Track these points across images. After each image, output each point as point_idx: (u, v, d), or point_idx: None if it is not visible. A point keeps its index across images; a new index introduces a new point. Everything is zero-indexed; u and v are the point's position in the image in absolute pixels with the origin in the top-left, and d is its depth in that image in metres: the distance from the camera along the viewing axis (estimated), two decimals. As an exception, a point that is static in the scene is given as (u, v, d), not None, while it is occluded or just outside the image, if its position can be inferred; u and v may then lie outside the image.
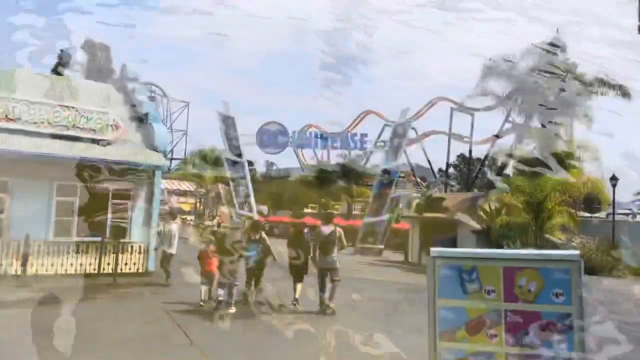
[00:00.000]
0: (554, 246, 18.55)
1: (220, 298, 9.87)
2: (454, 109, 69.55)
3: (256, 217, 34.94)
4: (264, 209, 76.14)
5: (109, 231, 14.09)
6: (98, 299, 10.74)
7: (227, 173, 35.80)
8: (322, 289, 10.25)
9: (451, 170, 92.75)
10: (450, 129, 69.72)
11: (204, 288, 10.57)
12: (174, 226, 13.11)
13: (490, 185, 28.84)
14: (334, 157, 63.81)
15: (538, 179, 20.32)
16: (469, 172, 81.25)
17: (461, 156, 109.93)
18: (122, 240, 14.22)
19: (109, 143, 14.16)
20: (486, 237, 25.48)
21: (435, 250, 3.73)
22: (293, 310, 10.28)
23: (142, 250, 14.56)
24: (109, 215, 14.22)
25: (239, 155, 35.09)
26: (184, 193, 71.14)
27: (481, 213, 25.60)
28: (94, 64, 34.38)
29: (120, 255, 14.17)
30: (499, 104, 29.12)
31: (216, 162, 42.47)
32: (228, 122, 35.18)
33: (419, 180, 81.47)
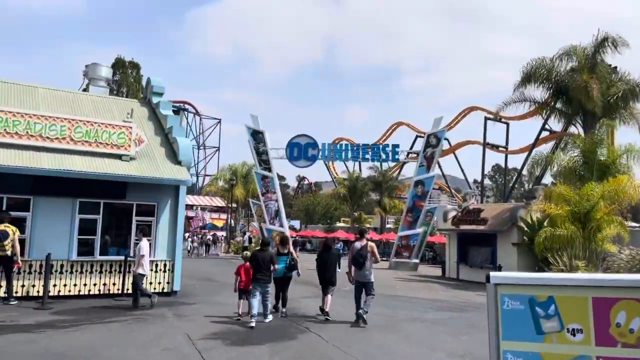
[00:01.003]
0: (604, 259, 17.24)
1: (254, 311, 10.29)
2: (488, 119, 68.06)
3: (287, 232, 34.39)
4: (296, 223, 76.16)
5: (132, 249, 13.58)
6: (117, 322, 10.15)
7: (257, 188, 35.39)
8: (357, 302, 10.77)
9: (486, 181, 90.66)
10: (484, 138, 68.07)
11: (240, 302, 11.14)
12: (143, 244, 11.90)
13: (530, 196, 27.41)
14: (365, 170, 63.49)
15: (584, 188, 18.97)
16: (505, 183, 79.30)
17: (496, 167, 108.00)
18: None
19: (132, 158, 13.73)
20: (528, 250, 24.16)
21: (496, 275, 2.86)
22: (325, 321, 10.98)
23: (166, 269, 14.03)
24: (133, 233, 13.73)
25: (269, 169, 34.63)
26: (217, 209, 71.48)
27: (522, 224, 24.31)
28: (124, 80, 34.72)
29: (144, 274, 13.68)
30: (538, 110, 27.71)
31: (246, 177, 42.23)
32: (257, 137, 34.82)
33: (453, 191, 79.88)
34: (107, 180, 12.98)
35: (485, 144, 67.32)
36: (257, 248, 12.13)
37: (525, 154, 64.76)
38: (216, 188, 43.77)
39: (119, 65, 36.88)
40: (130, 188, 13.56)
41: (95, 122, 13.24)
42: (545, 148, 63.18)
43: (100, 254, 13.35)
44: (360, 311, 10.53)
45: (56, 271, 12.61)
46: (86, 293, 12.99)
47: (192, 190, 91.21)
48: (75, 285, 12.88)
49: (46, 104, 14.76)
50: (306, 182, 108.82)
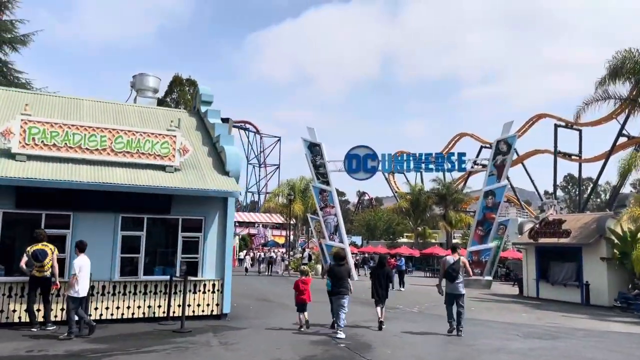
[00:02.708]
0: None
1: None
2: (558, 126, 63.83)
3: (347, 247, 32.80)
4: (358, 239, 74.40)
5: (179, 268, 12.51)
6: (155, 351, 8.96)
7: (316, 202, 34.12)
8: (450, 313, 11.55)
9: (559, 192, 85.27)
10: (555, 146, 63.82)
11: (300, 315, 11.63)
12: (76, 261, 10.08)
13: (620, 204, 24.46)
14: (427, 183, 60.90)
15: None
16: (580, 193, 74.01)
17: (568, 177, 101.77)
18: (192, 279, 12.58)
19: (176, 169, 12.74)
20: (620, 265, 21.33)
21: None
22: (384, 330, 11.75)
23: (215, 289, 12.83)
24: (179, 250, 12.67)
25: (327, 182, 33.29)
26: (278, 226, 71.04)
27: (612, 236, 21.54)
28: (182, 98, 34.72)
29: (192, 296, 12.57)
30: (624, 107, 24.86)
31: (305, 192, 41.16)
32: (314, 150, 33.64)
33: (523, 204, 75.41)
34: (150, 194, 12.00)
35: (557, 153, 63.12)
36: (333, 263, 12.31)
37: (601, 162, 60.36)
38: (275, 204, 42.90)
39: (176, 83, 37.01)
40: (175, 202, 12.54)
41: (138, 132, 12.36)
42: (622, 155, 58.69)
43: (145, 274, 12.32)
44: (460, 332, 11.29)
45: (97, 293, 11.70)
46: (129, 317, 11.99)
47: (254, 208, 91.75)
48: (117, 308, 11.91)
49: (90, 115, 14.13)
50: (366, 197, 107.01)
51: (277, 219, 63.95)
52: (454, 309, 11.43)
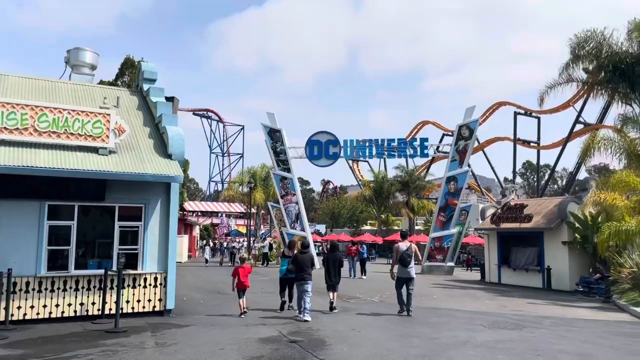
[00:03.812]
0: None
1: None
2: (518, 113, 64.46)
3: (309, 236, 31.90)
4: (322, 227, 73.65)
5: (116, 261, 11.29)
6: (77, 357, 7.80)
7: (276, 190, 33.05)
8: (400, 295, 12.33)
9: (517, 179, 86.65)
10: (515, 134, 64.47)
11: (241, 300, 11.90)
12: None
13: (581, 188, 24.35)
14: (391, 171, 60.59)
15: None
16: (538, 180, 75.26)
17: (527, 163, 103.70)
18: (131, 272, 11.40)
19: (111, 151, 11.46)
20: (581, 250, 21.16)
21: None
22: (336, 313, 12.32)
23: (157, 283, 11.68)
24: (116, 241, 11.44)
25: (288, 170, 32.24)
26: (243, 215, 69.49)
27: (573, 221, 21.33)
28: (134, 81, 32.76)
29: (131, 291, 11.40)
30: (587, 91, 24.69)
31: (266, 180, 40.02)
32: (275, 136, 32.49)
33: (484, 190, 76.19)
34: (81, 179, 10.72)
35: (516, 140, 63.84)
36: (298, 251, 12.72)
37: (559, 149, 61.43)
38: (235, 192, 41.49)
39: (128, 65, 35.03)
40: (110, 187, 11.28)
41: (65, 110, 11.00)
42: (578, 142, 60.02)
43: (76, 268, 11.08)
44: (410, 312, 12.08)
45: (20, 290, 10.40)
46: (59, 315, 10.74)
47: (218, 197, 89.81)
48: (44, 306, 10.64)
49: (16, 93, 12.65)
50: (331, 185, 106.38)
51: (238, 208, 62.58)
52: (404, 292, 12.21)
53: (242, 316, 11.60)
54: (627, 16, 24.44)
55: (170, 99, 13.64)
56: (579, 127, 57.28)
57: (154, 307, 11.58)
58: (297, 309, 11.83)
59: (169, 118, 12.65)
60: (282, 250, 14.19)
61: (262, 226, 58.08)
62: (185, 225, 44.08)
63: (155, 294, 11.61)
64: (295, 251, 12.95)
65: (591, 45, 21.15)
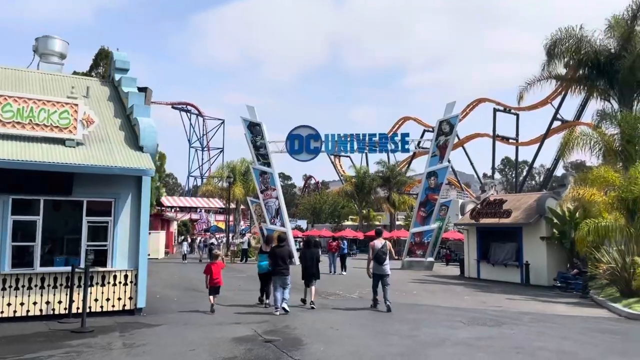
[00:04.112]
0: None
1: (278, 303, 11.60)
2: (497, 110, 64.93)
3: (289, 231, 31.56)
4: (303, 223, 73.35)
5: (84, 258, 10.84)
6: (45, 358, 7.39)
7: (256, 185, 32.61)
8: (375, 291, 12.57)
9: (496, 175, 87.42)
10: (494, 130, 65.00)
11: (212, 297, 11.78)
12: None
13: (559, 184, 24.47)
14: (372, 166, 60.57)
15: (632, 169, 16.02)
16: (516, 176, 76.05)
17: (506, 160, 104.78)
18: (100, 269, 10.96)
19: (79, 143, 10.98)
20: (559, 246, 21.23)
21: None
22: (315, 309, 12.30)
23: (128, 281, 11.25)
24: (84, 237, 10.98)
25: (268, 164, 31.81)
26: (222, 211, 68.71)
27: (552, 216, 21.38)
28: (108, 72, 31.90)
29: (100, 289, 10.96)
30: (565, 87, 24.79)
31: (246, 174, 39.50)
32: (255, 130, 32.01)
33: (463, 186, 76.69)
34: (47, 172, 10.24)
35: (495, 136, 64.37)
36: (275, 245, 12.75)
37: (536, 145, 62.18)
38: (214, 187, 40.88)
39: (102, 56, 34.09)
40: (78, 181, 10.80)
41: (30, 99, 10.48)
42: (556, 139, 60.81)
43: (42, 265, 10.59)
44: (389, 303, 12.14)
45: (-19, 288, 9.90)
46: (24, 314, 10.26)
47: (197, 192, 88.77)
48: (9, 305, 10.15)
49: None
50: (313, 181, 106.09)
51: (218, 203, 61.91)
52: (380, 288, 12.43)
53: (211, 312, 11.49)
54: (605, 11, 24.59)
55: (143, 90, 13.17)
56: (556, 124, 58.08)
57: (124, 305, 11.15)
58: (273, 305, 11.83)
59: (141, 109, 12.18)
60: (260, 246, 14.35)
61: (242, 222, 57.58)
62: (162, 221, 43.37)
63: (125, 292, 11.17)
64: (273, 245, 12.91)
65: (569, 42, 21.17)
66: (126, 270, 11.22)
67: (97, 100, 13.14)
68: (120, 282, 11.13)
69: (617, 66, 20.40)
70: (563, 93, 53.97)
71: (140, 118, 11.85)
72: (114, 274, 11.08)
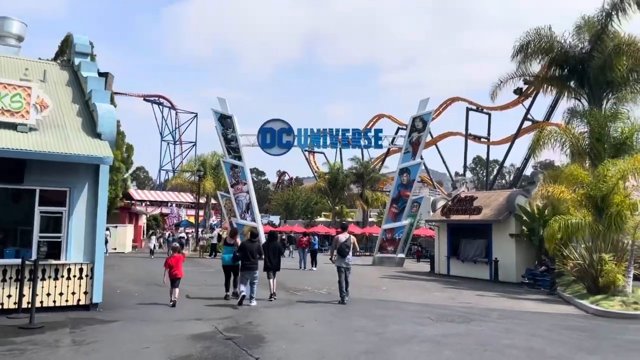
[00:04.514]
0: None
1: (246, 293, 11.78)
2: (470, 109, 65.53)
3: (260, 226, 31.11)
4: (276, 219, 72.84)
5: (36, 250, 10.24)
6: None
7: (226, 179, 32.00)
8: (340, 283, 12.63)
9: (467, 173, 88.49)
10: (466, 129, 65.58)
11: (174, 290, 11.62)
12: None
13: (529, 181, 24.63)
14: (346, 162, 60.40)
15: (600, 166, 16.09)
16: (487, 175, 77.03)
17: (477, 159, 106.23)
18: (53, 262, 10.37)
19: (32, 128, 10.35)
20: (528, 243, 21.34)
21: None
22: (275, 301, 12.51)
23: (83, 275, 10.69)
24: (36, 227, 10.37)
25: (239, 158, 31.24)
26: (194, 205, 67.58)
27: (521, 213, 21.47)
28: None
29: (52, 283, 10.37)
30: (537, 86, 24.94)
31: (217, 168, 38.81)
32: (226, 122, 31.39)
33: (435, 184, 77.29)
34: (-3, 158, 9.59)
35: (468, 135, 64.99)
36: (247, 239, 13.01)
37: (507, 145, 63.07)
38: (183, 181, 40.04)
39: (68, 43, 32.94)
40: (30, 168, 10.18)
41: (-23, 81, 9.80)
42: (526, 138, 61.83)
43: (-10, 257, 9.95)
44: (345, 297, 12.53)
45: None
46: (-32, 310, 9.62)
47: (168, 186, 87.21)
48: (-49, 300, 9.51)
49: None
50: (287, 177, 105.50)
51: (189, 197, 60.90)
52: (343, 280, 12.60)
53: (172, 305, 11.31)
54: (574, 12, 24.74)
55: (104, 75, 12.55)
56: (527, 124, 59.00)
57: (79, 300, 10.59)
58: (238, 298, 11.91)
59: (100, 94, 11.58)
60: (224, 238, 14.51)
61: (213, 217, 56.71)
62: (130, 215, 42.38)
63: (80, 286, 10.60)
64: (244, 239, 13.34)
65: (540, 42, 21.26)
66: (81, 264, 10.64)
67: (55, 84, 12.47)
68: (74, 276, 10.56)
69: (588, 66, 20.54)
70: (534, 94, 55.08)
71: (99, 104, 11.26)
72: (68, 267, 10.50)
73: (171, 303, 11.40)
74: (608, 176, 15.64)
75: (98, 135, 11.00)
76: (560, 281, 17.70)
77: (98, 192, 10.82)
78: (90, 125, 11.31)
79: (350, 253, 12.70)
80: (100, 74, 12.60)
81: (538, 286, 18.84)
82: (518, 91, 52.68)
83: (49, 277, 10.31)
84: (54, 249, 10.56)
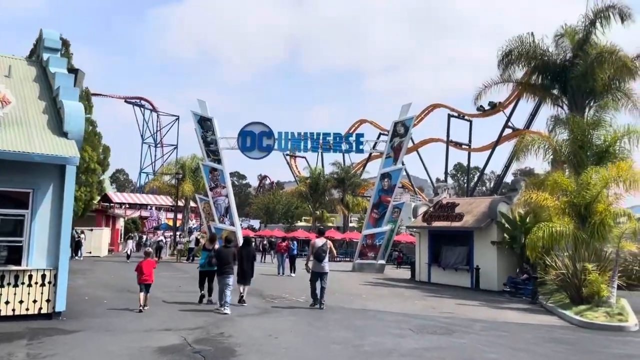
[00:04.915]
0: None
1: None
2: (451, 116, 65.79)
3: (238, 231, 30.51)
4: (256, 223, 72.04)
5: (-6, 254, 9.61)
6: None
7: (205, 182, 31.34)
8: (314, 290, 12.69)
9: (448, 180, 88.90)
10: (448, 136, 65.82)
11: (141, 295, 11.42)
12: None
13: (511, 188, 24.51)
14: (328, 167, 60.08)
15: (583, 174, 15.94)
16: (468, 181, 77.40)
17: (458, 165, 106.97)
18: (13, 268, 9.73)
19: (-7, 126, 9.72)
20: (510, 250, 21.15)
21: None
22: (244, 307, 12.37)
23: (45, 282, 10.06)
24: (-5, 232, 9.73)
25: (218, 161, 30.64)
26: (174, 208, 66.45)
27: (503, 221, 21.29)
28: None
29: (11, 290, 9.73)
30: (520, 91, 24.90)
31: (196, 171, 38.07)
32: (205, 125, 30.79)
33: (416, 190, 77.37)
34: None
35: (449, 142, 65.22)
36: (223, 245, 12.86)
37: (488, 152, 63.50)
38: (162, 184, 39.20)
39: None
40: (-10, 168, 9.54)
41: None
42: (507, 146, 62.42)
43: (-57, 262, 9.28)
44: (322, 306, 12.51)
45: None
46: None
47: (152, 190, 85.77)
48: None
49: None
50: (268, 181, 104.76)
51: (168, 200, 59.88)
52: (318, 285, 12.63)
53: (140, 311, 11.18)
54: (557, 24, 24.92)
55: (73, 71, 11.94)
56: (508, 132, 59.50)
57: (40, 309, 9.95)
58: (218, 302, 11.90)
59: (69, 91, 10.98)
60: (202, 243, 14.38)
61: (194, 220, 55.78)
62: (107, 217, 41.37)
63: (42, 293, 9.97)
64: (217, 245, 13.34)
65: (523, 49, 21.21)
66: (44, 270, 10.01)
67: (21, 80, 11.82)
68: (36, 283, 9.93)
69: (571, 73, 20.50)
70: (515, 101, 55.58)
71: (66, 101, 10.66)
72: (29, 273, 9.87)
73: (139, 309, 11.22)
74: (591, 184, 15.51)
75: (64, 134, 10.40)
76: (541, 290, 17.50)
77: (64, 194, 10.20)
78: (57, 123, 10.70)
79: (327, 258, 12.68)
80: (70, 71, 11.99)
81: (520, 295, 18.63)
82: (491, 105, 53.35)
83: (8, 283, 9.67)
84: (14, 254, 9.93)
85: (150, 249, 13.96)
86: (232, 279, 11.94)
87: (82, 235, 30.52)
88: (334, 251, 13.71)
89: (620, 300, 13.59)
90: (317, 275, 12.66)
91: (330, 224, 58.31)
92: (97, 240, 34.37)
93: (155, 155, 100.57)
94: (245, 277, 12.82)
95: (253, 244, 16.24)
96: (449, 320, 11.86)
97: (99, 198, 57.27)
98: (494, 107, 55.54)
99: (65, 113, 10.48)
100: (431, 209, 24.80)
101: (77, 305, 11.48)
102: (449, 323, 11.34)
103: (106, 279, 18.65)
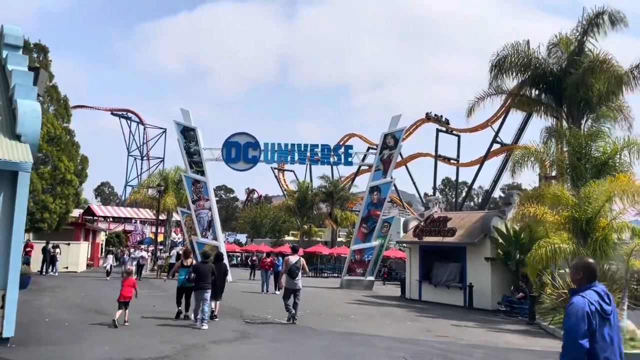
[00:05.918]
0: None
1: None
2: (440, 131, 65.34)
3: (222, 245, 29.27)
4: (242, 237, 70.59)
5: None
6: None
7: (187, 195, 30.11)
8: (287, 304, 12.94)
9: (437, 195, 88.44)
10: (436, 150, 65.32)
11: (119, 312, 11.30)
12: None
13: (505, 202, 23.67)
14: (316, 181, 59.16)
15: (586, 186, 15.09)
16: (456, 196, 76.85)
17: (446, 180, 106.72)
18: (-48, 288, 8.53)
19: None
20: (504, 267, 20.22)
21: None
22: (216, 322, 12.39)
23: (-9, 304, 8.85)
24: None
25: (202, 173, 29.47)
26: (160, 222, 64.85)
27: (497, 236, 20.37)
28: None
29: (-50, 314, 8.50)
30: (512, 103, 24.22)
31: (179, 184, 36.80)
32: (188, 135, 29.66)
33: (405, 204, 76.61)
34: None
35: (437, 156, 64.75)
36: (200, 260, 13.31)
37: (476, 167, 63.12)
38: (143, 196, 37.88)
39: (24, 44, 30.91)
40: None
41: None
42: (495, 161, 62.12)
43: None
44: (295, 321, 12.84)
45: None
46: None
47: (135, 203, 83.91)
48: None
49: None
50: (256, 194, 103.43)
51: (150, 214, 58.42)
52: (291, 302, 12.93)
53: (114, 326, 11.05)
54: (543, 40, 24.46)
55: (34, 69, 10.85)
56: (496, 146, 59.26)
57: (-15, 334, 8.74)
58: (193, 318, 12.14)
59: (25, 90, 9.86)
60: (180, 260, 14.03)
61: (179, 235, 54.26)
62: (86, 231, 39.83)
63: (-13, 317, 8.76)
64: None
65: (519, 57, 20.56)
66: (-10, 290, 8.81)
67: (-25, 79, 10.71)
68: (-20, 305, 8.72)
69: (565, 83, 19.87)
70: (503, 116, 55.35)
71: (22, 100, 9.53)
72: (-29, 294, 8.66)
73: (113, 324, 11.14)
74: (593, 197, 14.66)
75: (17, 137, 9.27)
76: (538, 308, 16.52)
77: (15, 205, 9.04)
78: (11, 124, 9.58)
79: (300, 275, 13.07)
80: (31, 69, 10.89)
81: (515, 314, 17.69)
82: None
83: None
84: (-45, 272, 8.71)
85: (131, 268, 14.48)
86: (209, 294, 11.85)
87: (57, 250, 29.01)
88: (306, 268, 14.03)
89: (628, 324, 12.62)
90: (290, 292, 12.89)
91: (318, 239, 57.21)
92: (75, 255, 32.84)
93: (141, 168, 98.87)
94: (216, 292, 12.74)
95: (226, 258, 16.46)
96: (445, 346, 10.78)
97: (80, 211, 55.87)
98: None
99: (19, 113, 9.35)
100: (422, 224, 23.85)
101: (32, 329, 10.28)
102: (447, 350, 10.26)
103: (75, 298, 17.31)
